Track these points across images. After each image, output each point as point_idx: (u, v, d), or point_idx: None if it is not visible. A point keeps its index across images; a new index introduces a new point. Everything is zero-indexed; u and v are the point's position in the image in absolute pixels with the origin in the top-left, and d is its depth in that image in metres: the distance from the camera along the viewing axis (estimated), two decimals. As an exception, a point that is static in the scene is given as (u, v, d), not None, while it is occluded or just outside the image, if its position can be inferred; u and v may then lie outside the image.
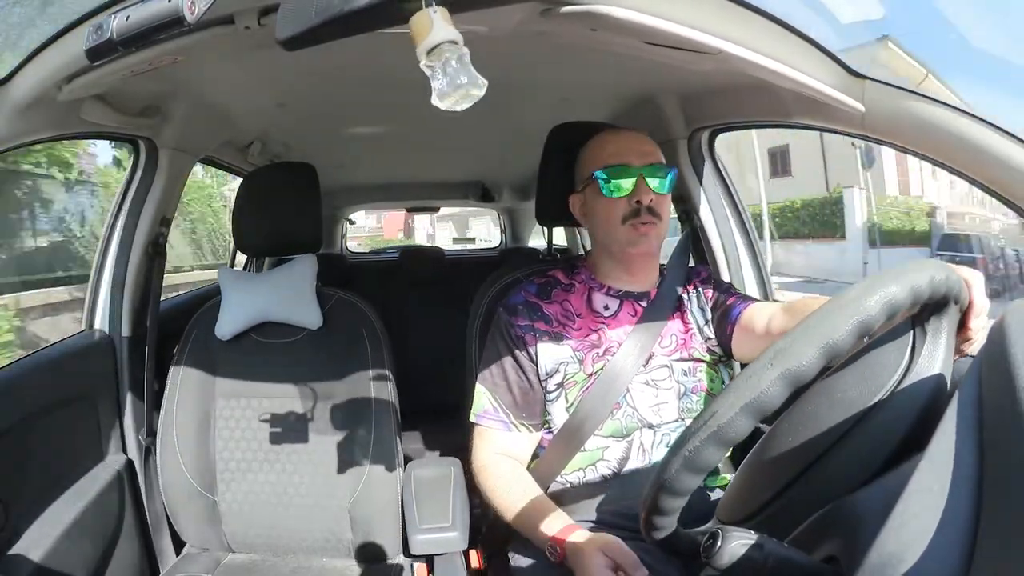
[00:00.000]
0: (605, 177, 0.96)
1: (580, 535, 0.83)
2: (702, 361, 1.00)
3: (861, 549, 0.41)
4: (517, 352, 0.99)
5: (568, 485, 0.96)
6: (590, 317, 1.00)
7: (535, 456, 1.02)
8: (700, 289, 1.06)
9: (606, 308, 1.01)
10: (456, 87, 0.54)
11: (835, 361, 0.47)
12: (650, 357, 0.97)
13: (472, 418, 1.02)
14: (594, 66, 1.12)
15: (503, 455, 0.99)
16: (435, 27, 0.53)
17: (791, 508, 0.53)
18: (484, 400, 1.01)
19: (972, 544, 0.38)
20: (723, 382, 1.01)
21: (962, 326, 0.57)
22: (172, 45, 0.70)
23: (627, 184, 0.95)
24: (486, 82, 0.55)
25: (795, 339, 0.46)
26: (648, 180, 0.95)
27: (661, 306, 1.00)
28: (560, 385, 0.98)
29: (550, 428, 0.99)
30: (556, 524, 0.87)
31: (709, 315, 1.04)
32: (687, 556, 0.56)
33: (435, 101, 0.55)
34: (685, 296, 1.05)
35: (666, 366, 0.98)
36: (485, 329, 1.08)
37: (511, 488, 0.95)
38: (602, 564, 0.78)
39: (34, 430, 1.03)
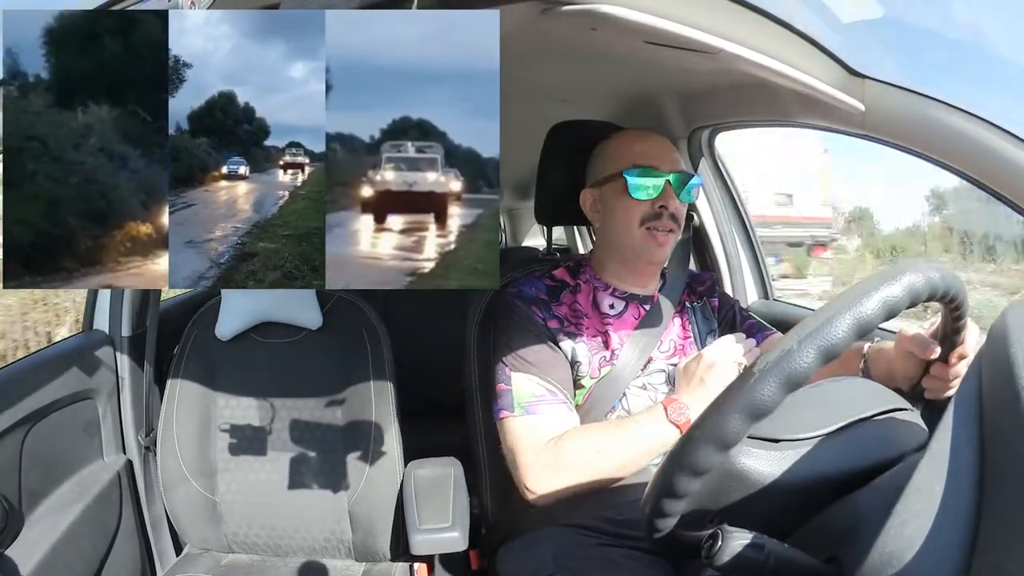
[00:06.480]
0: (634, 176, 0.94)
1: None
2: None
3: (861, 549, 0.41)
4: (547, 336, 0.95)
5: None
6: (596, 317, 0.99)
7: None
8: (706, 300, 1.06)
9: (612, 307, 1.00)
10: None
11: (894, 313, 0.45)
12: (648, 361, 0.97)
13: (518, 411, 0.90)
14: (594, 66, 1.11)
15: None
16: None
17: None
18: (531, 386, 0.91)
19: (973, 543, 0.38)
20: None
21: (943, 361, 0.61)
22: (172, 45, 0.69)
23: (655, 187, 0.94)
24: None
25: (861, 288, 0.45)
26: (675, 187, 0.95)
27: (663, 309, 0.99)
28: (573, 382, 0.96)
29: None
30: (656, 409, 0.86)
31: (715, 326, 1.04)
32: (684, 556, 0.56)
33: None
34: (687, 302, 1.05)
35: (663, 370, 0.98)
36: (484, 328, 1.07)
37: (599, 433, 0.87)
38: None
39: (34, 430, 1.03)
